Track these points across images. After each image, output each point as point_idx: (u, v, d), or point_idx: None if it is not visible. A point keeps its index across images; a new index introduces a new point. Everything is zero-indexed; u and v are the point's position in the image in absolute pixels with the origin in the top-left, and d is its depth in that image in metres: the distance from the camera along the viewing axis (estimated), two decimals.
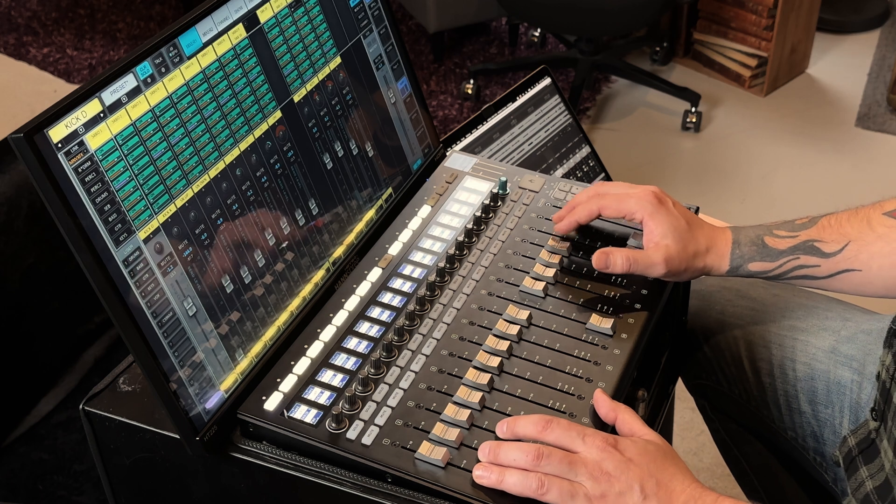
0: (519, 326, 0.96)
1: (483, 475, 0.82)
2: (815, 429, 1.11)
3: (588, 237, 1.07)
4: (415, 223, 1.10)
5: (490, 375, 0.91)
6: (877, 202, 1.01)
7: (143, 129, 0.83)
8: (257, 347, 0.93)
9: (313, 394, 0.90)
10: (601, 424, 0.87)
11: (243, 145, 0.93)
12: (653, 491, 0.79)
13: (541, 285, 1.00)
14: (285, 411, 0.88)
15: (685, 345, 1.22)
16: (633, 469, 0.80)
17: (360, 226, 1.08)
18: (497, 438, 0.85)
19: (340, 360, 0.93)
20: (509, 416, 0.87)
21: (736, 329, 1.17)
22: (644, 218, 0.99)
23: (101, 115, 0.80)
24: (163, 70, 0.86)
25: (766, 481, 1.28)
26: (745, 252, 1.01)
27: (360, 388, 0.90)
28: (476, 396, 0.88)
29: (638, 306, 0.99)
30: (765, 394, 1.15)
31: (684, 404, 1.85)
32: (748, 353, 1.15)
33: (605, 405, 0.87)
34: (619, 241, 1.07)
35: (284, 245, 0.97)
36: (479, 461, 0.83)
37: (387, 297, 1.00)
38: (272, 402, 0.89)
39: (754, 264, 1.01)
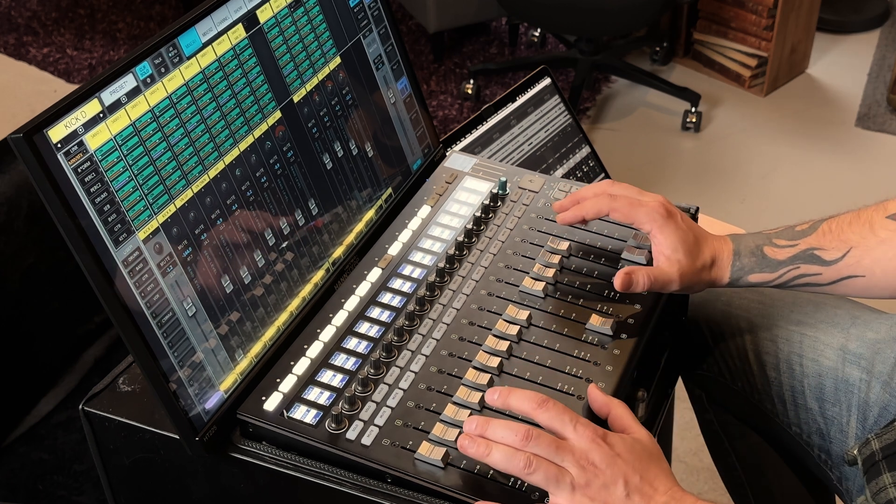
0: (519, 327, 0.96)
1: (469, 446, 0.81)
2: (821, 426, 1.11)
3: (587, 238, 1.07)
4: (414, 223, 1.10)
5: (490, 376, 0.91)
6: (880, 203, 1.00)
7: (142, 130, 0.83)
8: (257, 348, 0.93)
9: (313, 394, 0.90)
10: (596, 420, 0.87)
11: (243, 145, 0.93)
12: (636, 487, 0.80)
13: (541, 285, 1.00)
14: (285, 412, 0.88)
15: (687, 335, 1.22)
16: (618, 464, 0.80)
17: (359, 226, 1.08)
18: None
19: (340, 360, 0.93)
20: (509, 416, 0.87)
21: (742, 321, 1.17)
22: (653, 231, 0.99)
23: (101, 115, 0.80)
24: (162, 70, 0.86)
25: (754, 478, 1.28)
26: (745, 264, 1.01)
27: (359, 388, 0.90)
28: (476, 397, 0.88)
29: (638, 306, 0.99)
30: (769, 388, 1.15)
31: (684, 404, 1.85)
32: (754, 346, 1.15)
33: (599, 399, 0.88)
34: (618, 241, 1.07)
35: (284, 245, 0.97)
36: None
37: (386, 298, 1.00)
38: (272, 403, 0.89)
39: (754, 276, 1.01)
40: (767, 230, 1.03)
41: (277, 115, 0.98)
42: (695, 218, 1.11)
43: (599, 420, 0.87)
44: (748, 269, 1.01)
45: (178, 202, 0.86)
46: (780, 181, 2.75)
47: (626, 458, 0.81)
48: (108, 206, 0.79)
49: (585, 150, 1.48)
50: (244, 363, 0.91)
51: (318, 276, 1.01)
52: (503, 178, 1.14)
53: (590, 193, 1.03)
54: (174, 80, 0.87)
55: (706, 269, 1.00)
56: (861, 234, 0.98)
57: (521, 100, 1.42)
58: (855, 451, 0.99)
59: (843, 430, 1.09)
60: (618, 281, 0.97)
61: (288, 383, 0.91)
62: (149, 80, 0.84)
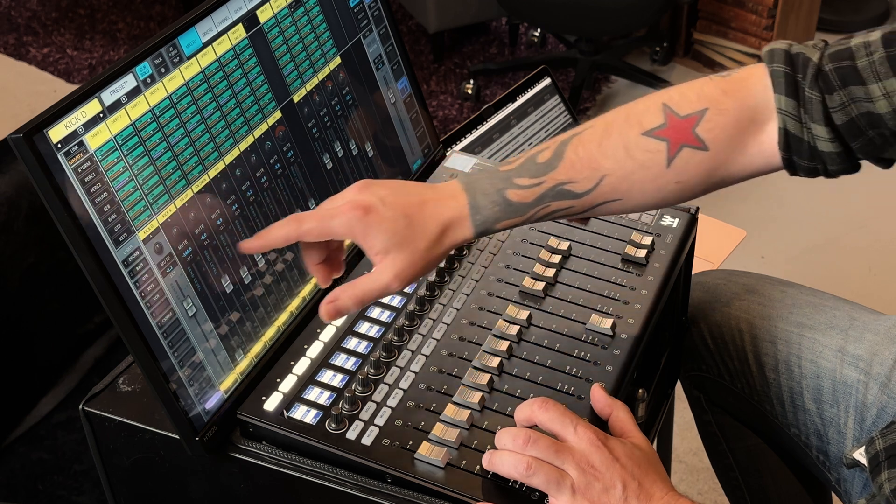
0: (519, 327, 0.96)
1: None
2: (819, 427, 1.11)
3: (587, 238, 1.07)
4: None
5: (490, 376, 0.91)
6: (631, 110, 0.88)
7: (142, 130, 0.83)
8: (257, 348, 0.93)
9: (313, 394, 0.90)
10: (596, 420, 0.87)
11: (243, 145, 0.93)
12: (634, 493, 0.80)
13: (541, 285, 1.00)
14: (285, 411, 0.88)
15: (686, 336, 1.22)
16: (617, 468, 0.81)
17: None
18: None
19: (340, 360, 0.93)
20: (509, 416, 0.87)
21: (742, 323, 1.17)
22: (356, 238, 0.86)
23: (101, 115, 0.80)
24: (162, 70, 0.86)
25: (751, 480, 1.28)
26: (489, 215, 0.88)
27: (359, 388, 0.90)
28: (476, 397, 0.88)
29: (638, 306, 0.99)
30: (768, 389, 1.15)
31: (684, 404, 1.84)
32: (753, 347, 1.16)
33: (602, 400, 0.88)
34: (619, 241, 1.06)
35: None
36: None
37: (386, 298, 1.00)
38: (272, 403, 0.89)
39: (502, 223, 0.89)
40: (504, 165, 0.89)
41: (277, 115, 0.98)
42: (694, 218, 1.11)
43: (600, 421, 0.88)
44: (493, 218, 0.88)
45: (178, 202, 0.86)
46: (781, 180, 2.74)
47: (625, 463, 0.81)
48: (108, 206, 0.79)
49: None
50: (244, 363, 0.91)
51: None
52: None
53: (281, 221, 0.88)
54: (174, 80, 0.87)
55: (437, 242, 0.87)
56: (615, 158, 0.87)
57: (521, 100, 1.42)
58: (853, 454, 0.99)
59: (841, 431, 1.09)
60: (322, 312, 0.86)
61: (288, 383, 0.91)
62: (149, 80, 0.84)
